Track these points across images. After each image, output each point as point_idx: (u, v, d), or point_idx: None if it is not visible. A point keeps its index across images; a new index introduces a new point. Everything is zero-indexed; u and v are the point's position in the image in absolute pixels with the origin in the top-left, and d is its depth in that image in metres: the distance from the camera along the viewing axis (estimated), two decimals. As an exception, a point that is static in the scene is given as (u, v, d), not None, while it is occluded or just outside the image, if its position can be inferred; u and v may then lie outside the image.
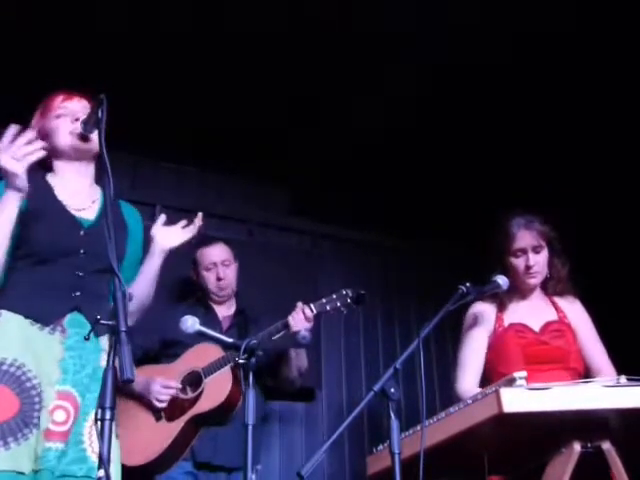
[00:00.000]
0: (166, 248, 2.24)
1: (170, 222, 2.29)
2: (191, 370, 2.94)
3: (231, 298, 3.33)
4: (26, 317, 2.00)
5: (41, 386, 1.94)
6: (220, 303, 3.28)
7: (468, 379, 2.65)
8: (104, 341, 2.06)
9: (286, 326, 2.87)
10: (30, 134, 1.98)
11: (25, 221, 2.05)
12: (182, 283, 3.53)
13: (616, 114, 3.60)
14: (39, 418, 1.91)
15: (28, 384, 1.93)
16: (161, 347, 3.08)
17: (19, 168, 1.94)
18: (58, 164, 2.22)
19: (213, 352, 2.91)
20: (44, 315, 2.01)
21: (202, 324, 2.38)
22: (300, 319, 2.86)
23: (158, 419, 2.90)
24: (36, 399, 1.92)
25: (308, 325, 2.87)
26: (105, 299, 2.07)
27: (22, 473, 1.84)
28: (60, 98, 2.23)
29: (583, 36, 3.20)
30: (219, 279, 3.23)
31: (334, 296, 2.89)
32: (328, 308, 2.88)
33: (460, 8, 3.04)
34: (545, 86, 3.50)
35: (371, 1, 3.04)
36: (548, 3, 3.03)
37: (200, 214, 2.32)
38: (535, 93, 3.54)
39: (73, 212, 2.15)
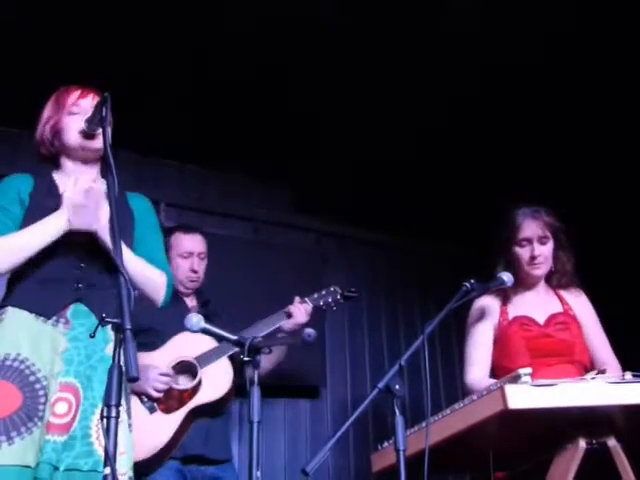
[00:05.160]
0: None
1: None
2: (180, 359, 2.84)
3: (193, 292, 3.21)
4: (30, 311, 2.02)
5: (46, 379, 1.95)
6: (186, 295, 3.15)
7: (477, 370, 2.64)
8: (111, 331, 2.06)
9: (288, 316, 2.94)
10: None
11: (29, 218, 2.08)
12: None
13: (616, 113, 3.59)
14: (44, 411, 1.91)
15: (32, 378, 1.94)
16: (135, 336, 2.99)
17: (95, 224, 2.06)
18: (65, 161, 2.23)
19: (201, 341, 2.80)
20: (46, 307, 2.03)
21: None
22: (300, 310, 2.95)
23: (152, 411, 2.74)
24: (40, 392, 1.93)
25: (308, 317, 2.96)
26: (108, 290, 2.07)
27: (28, 466, 1.85)
28: (76, 94, 2.22)
29: (583, 36, 3.19)
30: (194, 271, 3.10)
31: (324, 292, 3.04)
32: (321, 303, 3.02)
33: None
34: (544, 86, 3.49)
35: None
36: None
37: None
38: (535, 94, 3.53)
39: None
